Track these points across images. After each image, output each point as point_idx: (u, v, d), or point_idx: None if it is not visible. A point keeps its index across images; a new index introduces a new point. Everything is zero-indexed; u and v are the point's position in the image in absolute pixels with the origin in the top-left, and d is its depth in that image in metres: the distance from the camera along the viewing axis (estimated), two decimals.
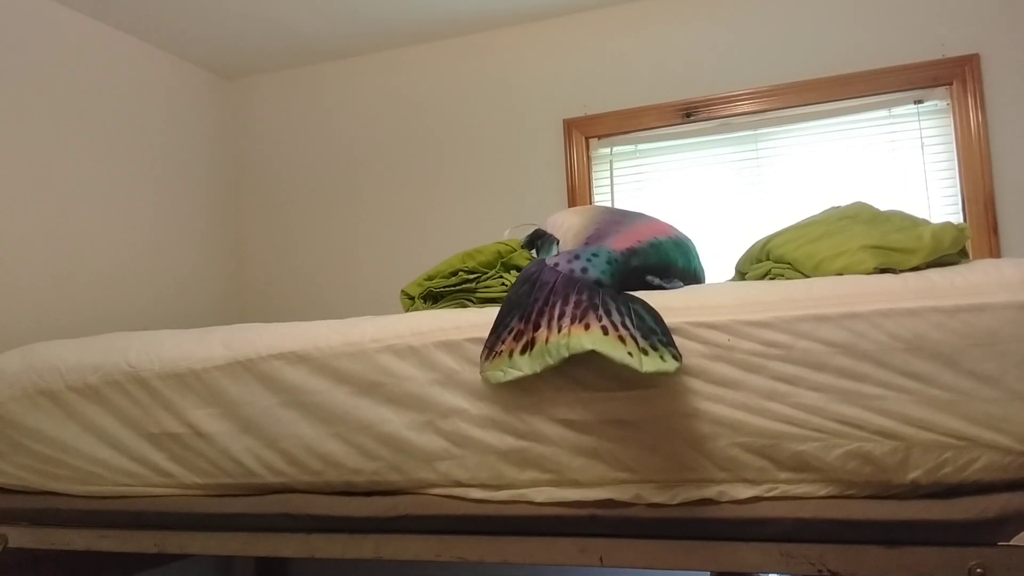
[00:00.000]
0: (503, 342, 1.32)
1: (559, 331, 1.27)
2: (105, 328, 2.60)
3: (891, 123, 2.48)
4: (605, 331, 1.23)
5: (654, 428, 1.26)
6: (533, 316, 1.32)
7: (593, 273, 1.40)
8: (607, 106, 2.77)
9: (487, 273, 1.68)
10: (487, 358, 1.33)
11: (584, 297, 1.30)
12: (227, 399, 1.51)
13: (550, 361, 1.26)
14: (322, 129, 3.18)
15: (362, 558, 1.45)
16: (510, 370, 1.29)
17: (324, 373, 1.45)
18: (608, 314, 1.26)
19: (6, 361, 1.73)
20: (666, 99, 2.70)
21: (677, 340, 1.25)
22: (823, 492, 1.21)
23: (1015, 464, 1.15)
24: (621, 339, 1.22)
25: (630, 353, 1.20)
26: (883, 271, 1.31)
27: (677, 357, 1.20)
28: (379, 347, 1.42)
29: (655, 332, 1.23)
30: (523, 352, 1.29)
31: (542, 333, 1.29)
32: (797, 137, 2.57)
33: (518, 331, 1.31)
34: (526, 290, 1.37)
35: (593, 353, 1.23)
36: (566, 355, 1.24)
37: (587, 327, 1.25)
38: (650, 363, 1.19)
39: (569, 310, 1.29)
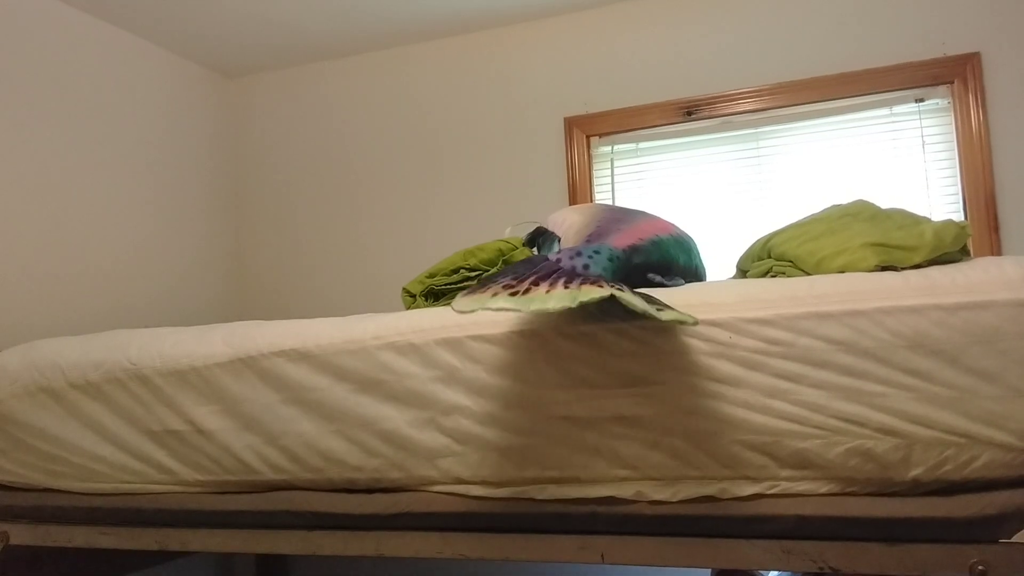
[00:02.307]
0: (488, 288, 1.22)
1: (565, 288, 1.18)
2: (106, 325, 2.60)
3: (892, 121, 2.48)
4: (620, 290, 1.18)
5: (655, 425, 1.26)
6: (531, 278, 1.23)
7: (594, 270, 1.39)
8: (608, 104, 2.77)
9: (488, 271, 1.68)
10: (466, 296, 1.22)
11: (592, 274, 1.28)
12: (228, 396, 1.51)
13: (545, 306, 1.15)
14: (323, 127, 3.18)
15: (363, 555, 1.45)
16: (491, 303, 1.17)
17: (325, 370, 1.45)
18: (618, 285, 1.23)
19: (7, 358, 1.73)
20: (667, 97, 2.70)
21: (678, 337, 1.25)
22: (824, 489, 1.21)
23: (1016, 461, 1.15)
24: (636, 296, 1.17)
25: (647, 307, 1.14)
26: (884, 269, 1.31)
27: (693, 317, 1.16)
28: (380, 344, 1.42)
29: (663, 305, 1.21)
30: (511, 296, 1.18)
31: (542, 288, 1.19)
32: (798, 135, 2.57)
33: (508, 284, 1.22)
34: (526, 265, 1.33)
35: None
36: (571, 304, 1.14)
37: (600, 286, 1.18)
38: (668, 315, 1.14)
39: (578, 278, 1.23)
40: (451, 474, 1.37)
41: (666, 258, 1.64)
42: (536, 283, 1.21)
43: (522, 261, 1.40)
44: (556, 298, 1.16)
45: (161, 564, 2.43)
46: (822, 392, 1.20)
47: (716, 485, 1.25)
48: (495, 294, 1.19)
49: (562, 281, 1.21)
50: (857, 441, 1.19)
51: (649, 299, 1.23)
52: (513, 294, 1.19)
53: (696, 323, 1.17)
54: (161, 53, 2.95)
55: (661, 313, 1.14)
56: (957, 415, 1.16)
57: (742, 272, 1.75)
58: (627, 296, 1.15)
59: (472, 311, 1.18)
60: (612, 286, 1.18)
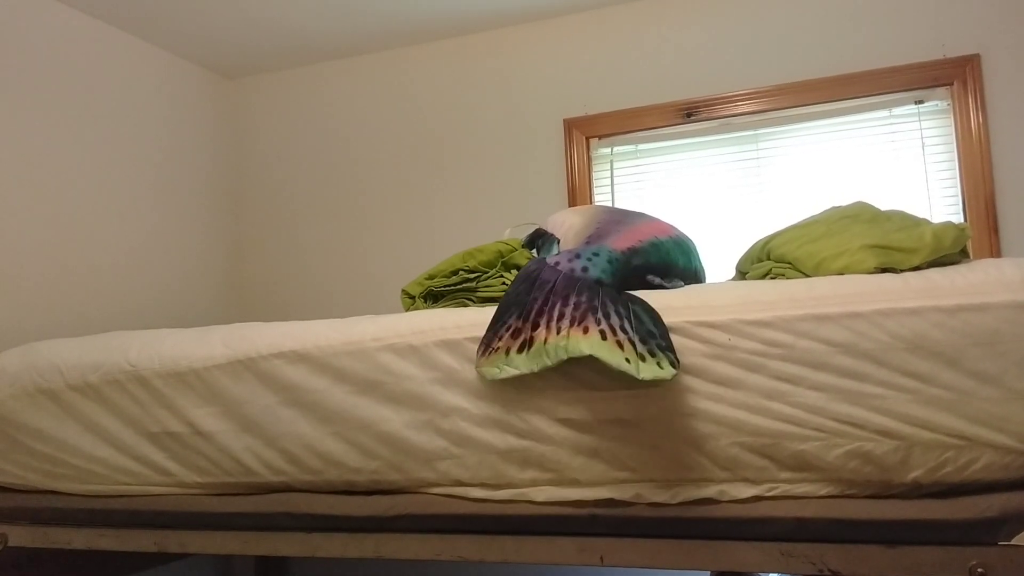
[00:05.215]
0: (500, 339, 1.32)
1: (557, 333, 1.27)
2: (105, 327, 2.60)
3: (892, 123, 2.48)
4: (603, 335, 1.23)
5: (655, 427, 1.26)
6: (532, 315, 1.31)
7: (593, 272, 1.39)
8: (608, 106, 2.77)
9: (488, 272, 1.68)
10: (483, 354, 1.33)
11: (583, 299, 1.30)
12: (227, 398, 1.51)
13: (548, 362, 1.26)
14: (322, 128, 3.18)
15: (362, 557, 1.45)
16: (506, 368, 1.29)
17: (324, 372, 1.45)
18: (607, 317, 1.26)
19: (7, 360, 1.73)
20: (667, 99, 2.70)
21: (677, 339, 1.25)
22: (824, 491, 1.21)
23: (1015, 463, 1.15)
24: (619, 344, 1.22)
25: (627, 359, 1.20)
26: (884, 271, 1.31)
27: (675, 363, 1.20)
28: (380, 346, 1.42)
29: (653, 336, 1.23)
30: (520, 351, 1.29)
31: (540, 333, 1.28)
32: (798, 137, 2.57)
33: (516, 329, 1.31)
34: (525, 288, 1.37)
35: (591, 357, 1.23)
36: (564, 357, 1.24)
37: (586, 330, 1.25)
38: (647, 370, 1.19)
39: (568, 312, 1.29)
40: (450, 476, 1.37)
41: (665, 260, 1.64)
42: (536, 324, 1.30)
43: (521, 275, 1.40)
44: (552, 350, 1.26)
45: (160, 566, 2.43)
46: (821, 394, 1.20)
47: (715, 487, 1.25)
48: (508, 350, 1.30)
49: (555, 318, 1.29)
50: (856, 443, 1.18)
51: (639, 321, 1.24)
52: (521, 347, 1.28)
53: (674, 377, 1.19)
54: (161, 54, 2.95)
55: (642, 366, 1.20)
56: (956, 417, 1.16)
57: (741, 274, 1.75)
58: (606, 354, 1.22)
59: (493, 379, 1.30)
60: (598, 324, 1.25)
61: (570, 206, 2.77)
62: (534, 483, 1.33)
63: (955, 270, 1.25)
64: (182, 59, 3.06)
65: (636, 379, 1.19)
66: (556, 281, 1.36)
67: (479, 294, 1.66)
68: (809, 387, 1.20)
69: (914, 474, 1.17)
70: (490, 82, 2.94)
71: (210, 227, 3.13)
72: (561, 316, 1.29)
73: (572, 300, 1.31)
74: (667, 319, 1.27)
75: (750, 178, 2.61)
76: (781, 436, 1.21)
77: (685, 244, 1.73)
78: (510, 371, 1.28)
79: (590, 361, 1.28)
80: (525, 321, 1.31)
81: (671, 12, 2.73)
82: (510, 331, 1.31)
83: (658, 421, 1.26)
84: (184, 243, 2.99)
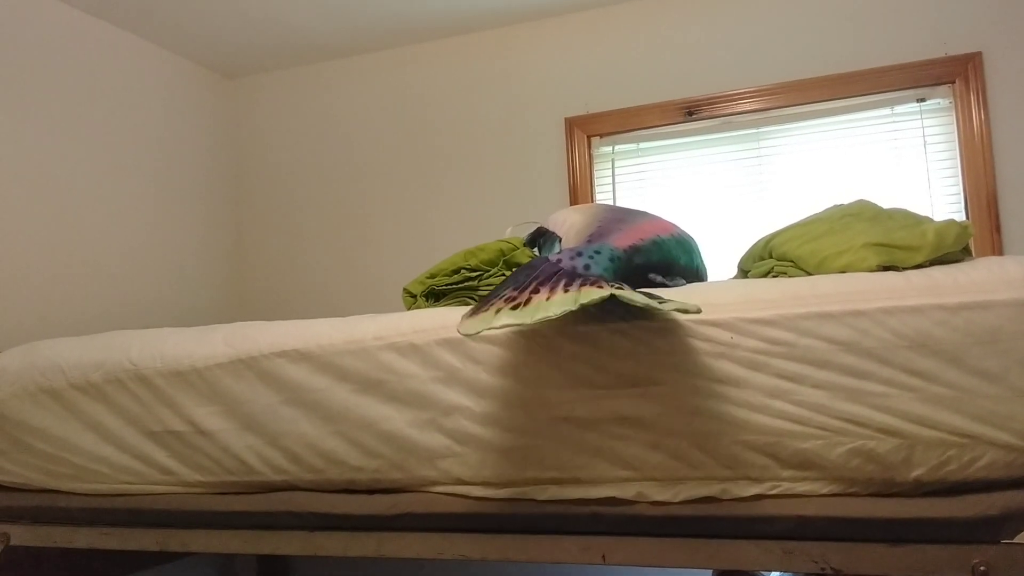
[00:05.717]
0: (491, 304, 1.24)
1: (565, 292, 1.19)
2: (107, 326, 2.60)
3: (893, 121, 2.48)
4: (620, 288, 1.18)
5: (656, 426, 1.26)
6: (531, 286, 1.24)
7: (595, 270, 1.39)
8: (609, 104, 2.77)
9: (489, 271, 1.68)
10: (471, 315, 1.23)
11: (592, 275, 1.28)
12: (229, 397, 1.51)
13: (548, 314, 1.15)
14: (323, 128, 3.18)
15: (364, 556, 1.45)
16: (495, 320, 1.18)
17: (326, 371, 1.45)
18: (619, 284, 1.23)
19: (8, 359, 1.73)
20: (668, 97, 2.70)
21: (679, 338, 1.25)
22: (826, 490, 1.21)
23: (1018, 462, 1.14)
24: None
25: (648, 301, 1.15)
26: (886, 269, 1.31)
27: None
28: (381, 345, 1.42)
29: (663, 301, 1.21)
30: (513, 309, 1.19)
31: (542, 295, 1.20)
32: (799, 135, 2.57)
33: (510, 297, 1.24)
34: (525, 272, 1.34)
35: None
36: (572, 307, 1.15)
37: (599, 287, 1.19)
38: (670, 306, 1.15)
39: (578, 280, 1.24)
40: (452, 475, 1.37)
41: (667, 258, 1.64)
42: (536, 290, 1.22)
43: (522, 267, 1.39)
44: (557, 303, 1.17)
45: (162, 565, 2.43)
46: (824, 392, 1.20)
47: (717, 486, 1.25)
48: (498, 310, 1.20)
49: (562, 284, 1.22)
50: (859, 441, 1.18)
51: (649, 295, 1.23)
52: (515, 307, 1.20)
53: (699, 311, 1.16)
54: (161, 53, 2.95)
55: (663, 306, 1.15)
56: (959, 415, 1.15)
57: (743, 272, 1.75)
58: (627, 293, 1.16)
59: (478, 332, 1.19)
60: (612, 286, 1.19)
61: (571, 205, 2.77)
62: (536, 482, 1.33)
63: (957, 268, 1.25)
64: (182, 59, 3.06)
65: (662, 313, 1.14)
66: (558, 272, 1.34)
67: (481, 293, 1.66)
68: (811, 385, 1.20)
69: (916, 472, 1.17)
70: (491, 81, 2.94)
71: (210, 227, 3.13)
72: (570, 282, 1.21)
73: (580, 276, 1.26)
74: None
75: (752, 176, 2.61)
76: (783, 434, 1.21)
77: (687, 242, 1.73)
78: (501, 321, 1.17)
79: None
80: (522, 291, 1.23)
81: (672, 10, 2.72)
82: (503, 299, 1.24)
83: (660, 420, 1.26)
84: (185, 242, 2.99)
